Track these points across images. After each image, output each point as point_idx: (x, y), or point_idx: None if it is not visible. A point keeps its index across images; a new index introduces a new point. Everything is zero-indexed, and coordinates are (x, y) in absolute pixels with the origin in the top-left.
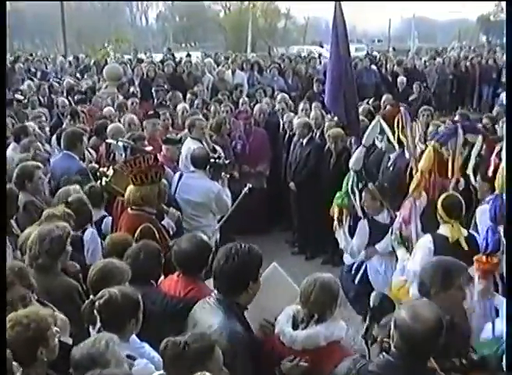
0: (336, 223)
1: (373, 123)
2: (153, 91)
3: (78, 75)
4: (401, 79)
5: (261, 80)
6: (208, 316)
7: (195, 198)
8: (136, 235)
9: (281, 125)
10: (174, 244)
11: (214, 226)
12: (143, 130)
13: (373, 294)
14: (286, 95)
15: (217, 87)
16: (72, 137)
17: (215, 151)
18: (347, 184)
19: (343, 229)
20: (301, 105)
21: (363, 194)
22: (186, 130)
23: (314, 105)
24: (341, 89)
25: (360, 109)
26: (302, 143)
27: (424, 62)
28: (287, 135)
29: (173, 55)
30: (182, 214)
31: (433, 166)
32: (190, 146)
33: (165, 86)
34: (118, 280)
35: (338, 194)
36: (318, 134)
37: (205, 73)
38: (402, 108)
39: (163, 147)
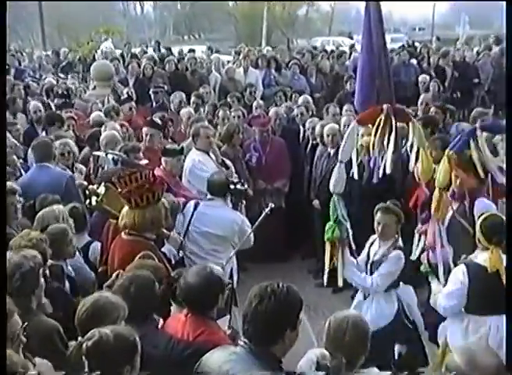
0: (327, 261)
1: (348, 130)
2: (151, 92)
3: (60, 73)
4: (448, 73)
5: (278, 79)
6: (237, 367)
7: (215, 230)
8: (134, 265)
9: (301, 133)
10: (180, 276)
11: (228, 254)
12: (138, 140)
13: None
14: (309, 97)
15: (226, 88)
16: (47, 148)
17: (224, 165)
18: (335, 212)
19: (344, 264)
20: (331, 109)
21: (378, 214)
22: (190, 140)
23: (345, 108)
24: (374, 89)
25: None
26: (329, 154)
27: (477, 53)
28: (310, 145)
29: (170, 49)
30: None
31: (456, 177)
32: (194, 158)
33: (165, 87)
34: (112, 318)
35: (327, 227)
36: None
37: (212, 72)
38: (385, 106)
39: (162, 159)
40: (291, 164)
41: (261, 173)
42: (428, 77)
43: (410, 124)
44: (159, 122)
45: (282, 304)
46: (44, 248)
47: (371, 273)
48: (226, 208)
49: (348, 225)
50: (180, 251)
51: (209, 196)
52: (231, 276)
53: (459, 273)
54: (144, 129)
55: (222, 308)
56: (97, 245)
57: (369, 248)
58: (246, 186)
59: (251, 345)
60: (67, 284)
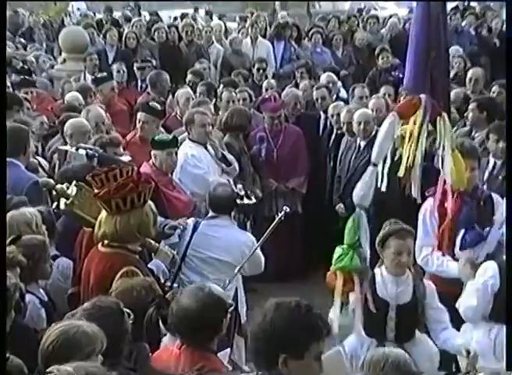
0: (338, 300)
1: (385, 124)
2: (135, 68)
3: (19, 42)
4: None
5: (299, 52)
6: None
7: (221, 255)
8: (114, 286)
9: (322, 121)
10: (171, 298)
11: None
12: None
13: None
14: (333, 76)
15: (230, 64)
16: (16, 138)
17: (225, 160)
18: (355, 232)
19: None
20: (357, 91)
21: (398, 240)
22: (183, 128)
23: (382, 90)
24: (428, 65)
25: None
26: (359, 146)
27: None
28: (333, 135)
29: (157, 14)
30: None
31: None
32: (186, 152)
33: (154, 61)
34: (86, 352)
35: (340, 252)
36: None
37: (213, 43)
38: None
39: (151, 153)
40: (310, 159)
41: (271, 170)
42: (475, 48)
43: (439, 119)
44: (158, 107)
45: (278, 323)
46: (23, 266)
47: None
48: (233, 227)
49: (367, 252)
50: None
51: (211, 213)
52: (235, 298)
53: (489, 270)
54: (139, 115)
55: (224, 338)
56: (64, 262)
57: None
58: (254, 198)
59: (255, 370)
60: (43, 313)
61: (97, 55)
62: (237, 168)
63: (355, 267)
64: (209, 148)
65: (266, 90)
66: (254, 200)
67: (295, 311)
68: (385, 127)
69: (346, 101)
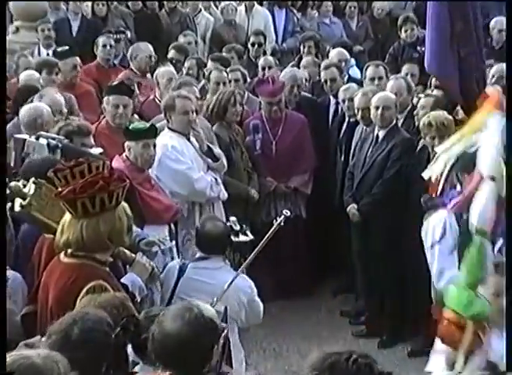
0: (461, 358)
1: (492, 123)
2: (103, 41)
3: None
4: None
5: (303, 23)
6: None
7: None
8: (79, 304)
9: (332, 106)
10: (150, 319)
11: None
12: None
13: None
14: (345, 52)
15: (221, 37)
16: None
17: (211, 154)
18: (480, 268)
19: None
20: (370, 70)
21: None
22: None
23: (405, 69)
24: (453, 41)
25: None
26: (376, 137)
27: None
28: (345, 124)
29: None
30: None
31: None
32: (165, 143)
33: (128, 33)
34: None
35: (464, 294)
36: (403, 121)
37: (200, 11)
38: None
39: (125, 145)
40: (316, 153)
41: (269, 167)
42: (503, 20)
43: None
44: (135, 89)
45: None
46: None
47: None
48: (227, 270)
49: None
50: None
51: (200, 254)
52: (224, 319)
53: None
54: (111, 98)
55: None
56: (14, 276)
57: None
58: (250, 235)
59: None
60: None
61: (57, 25)
62: (225, 163)
63: (483, 315)
64: (192, 139)
65: (263, 69)
66: (251, 236)
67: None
68: (495, 128)
69: (361, 84)
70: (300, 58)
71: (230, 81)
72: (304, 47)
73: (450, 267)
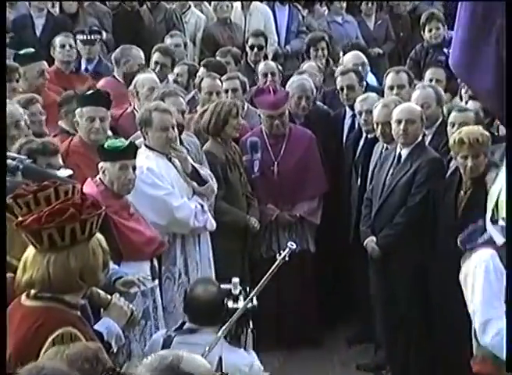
0: None
1: None
2: (78, 42)
3: None
4: None
5: (310, 22)
6: None
7: None
8: (44, 356)
9: (347, 120)
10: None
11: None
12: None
13: None
14: (362, 55)
15: (214, 39)
16: None
17: (198, 177)
18: None
19: None
20: (390, 77)
21: None
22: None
23: (428, 74)
24: (487, 38)
25: None
26: (399, 156)
27: None
28: (362, 141)
29: None
30: None
31: None
32: (141, 165)
33: (103, 33)
34: None
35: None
36: (431, 138)
37: (190, 8)
38: None
39: (99, 166)
40: (327, 175)
41: (270, 191)
42: None
43: None
44: (109, 98)
45: None
46: None
47: None
48: (221, 344)
49: None
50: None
51: (189, 324)
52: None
53: None
54: (85, 110)
55: None
56: None
57: None
58: (255, 300)
59: None
60: None
61: (17, 22)
62: (215, 188)
63: None
64: (175, 159)
65: (264, 76)
66: (255, 302)
67: None
68: None
69: (381, 93)
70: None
71: (227, 91)
72: (313, 50)
73: (498, 317)
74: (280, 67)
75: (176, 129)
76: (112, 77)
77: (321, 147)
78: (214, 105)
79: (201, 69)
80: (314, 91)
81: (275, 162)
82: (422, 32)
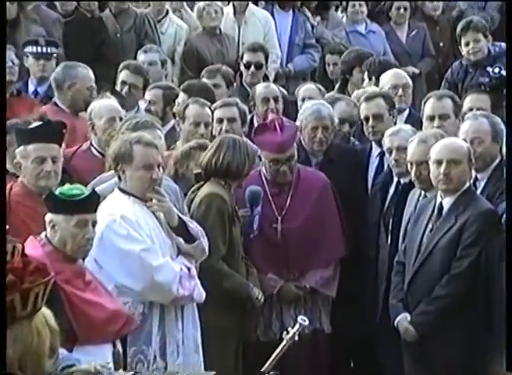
0: None
1: None
2: (25, 57)
3: None
4: None
5: (322, 32)
6: None
7: None
8: None
9: (373, 160)
10: None
11: None
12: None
13: None
14: (403, 74)
15: (198, 54)
16: None
17: (185, 230)
18: None
19: None
20: (431, 103)
21: None
22: (111, 173)
23: (468, 100)
24: None
25: None
26: (440, 207)
27: None
28: (393, 187)
29: None
30: None
31: None
32: (113, 212)
33: (57, 48)
34: None
35: None
36: (485, 183)
37: (167, 14)
38: None
39: (46, 219)
40: (347, 233)
41: (272, 256)
42: None
43: None
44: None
45: None
46: None
47: None
48: None
49: None
50: None
51: None
52: None
53: None
54: (32, 148)
55: None
56: None
57: None
58: None
59: None
60: None
61: None
62: (206, 247)
63: None
64: (156, 211)
65: (265, 102)
66: None
67: None
68: None
69: (418, 125)
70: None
71: (221, 120)
72: (330, 67)
73: None
74: (285, 91)
75: (161, 169)
76: (54, 105)
77: (340, 195)
78: (219, 141)
79: (181, 95)
80: (336, 120)
81: (279, 218)
82: (459, 46)
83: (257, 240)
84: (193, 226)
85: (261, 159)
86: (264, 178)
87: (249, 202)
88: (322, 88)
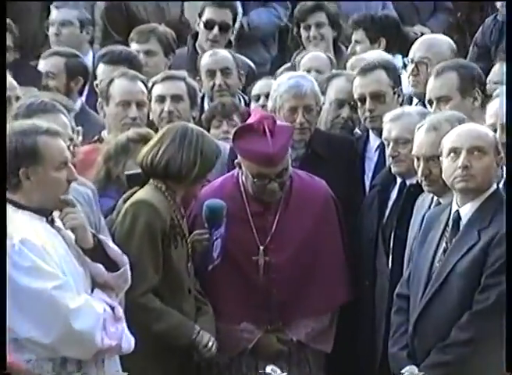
0: None
1: None
2: None
3: None
4: None
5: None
6: None
7: None
8: None
9: (369, 154)
10: None
11: None
12: None
13: None
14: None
15: (128, 11)
16: None
17: (106, 258)
18: None
19: None
20: (444, 78)
21: None
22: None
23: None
24: None
25: None
26: (457, 217)
27: None
28: (395, 190)
29: None
30: None
31: None
32: (15, 236)
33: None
34: None
35: None
36: None
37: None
38: None
39: None
40: (352, 265)
41: (248, 298)
42: None
43: None
44: None
45: None
46: None
47: None
48: None
49: None
50: None
51: None
52: None
53: None
54: None
55: None
56: None
57: None
58: None
59: None
60: None
61: None
62: (129, 276)
63: None
64: (59, 223)
65: (210, 76)
66: None
67: None
68: None
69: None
70: None
71: (164, 99)
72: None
73: None
74: (251, 63)
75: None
76: None
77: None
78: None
79: (101, 66)
80: (321, 98)
81: (261, 248)
82: None
83: (227, 274)
84: (114, 248)
85: (240, 167)
86: (242, 189)
87: (207, 221)
88: (333, 59)
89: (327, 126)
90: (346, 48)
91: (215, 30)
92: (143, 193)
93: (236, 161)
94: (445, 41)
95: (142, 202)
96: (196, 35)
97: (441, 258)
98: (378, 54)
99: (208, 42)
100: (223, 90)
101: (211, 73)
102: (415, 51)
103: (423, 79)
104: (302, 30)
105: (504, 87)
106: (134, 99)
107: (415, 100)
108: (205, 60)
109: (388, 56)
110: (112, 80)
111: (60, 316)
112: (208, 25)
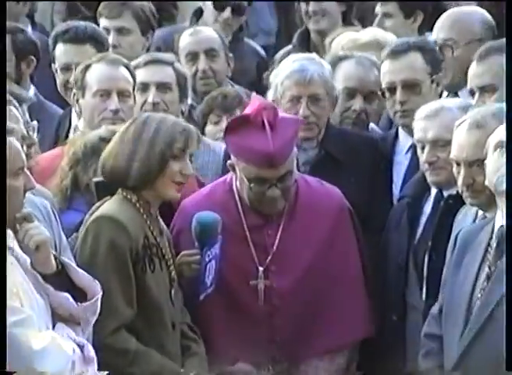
0: None
1: None
2: None
3: None
4: None
5: None
6: None
7: None
8: None
9: (398, 157)
10: None
11: None
12: None
13: None
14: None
15: None
16: None
17: (73, 289)
18: None
19: None
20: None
21: None
22: None
23: None
24: None
25: None
26: (502, 235)
27: None
28: (430, 201)
29: None
30: None
31: None
32: None
33: None
34: None
35: None
36: None
37: None
38: None
39: None
40: (375, 294)
41: (247, 333)
42: None
43: None
44: None
45: None
46: None
47: None
48: None
49: None
50: None
51: None
52: None
53: None
54: None
55: None
56: None
57: None
58: None
59: None
60: None
61: None
62: (97, 308)
63: None
64: (13, 244)
65: (191, 60)
66: None
67: None
68: None
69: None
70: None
71: (147, 87)
72: None
73: None
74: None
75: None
76: None
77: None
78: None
79: (60, 46)
80: (334, 87)
81: (260, 270)
82: None
83: (220, 304)
84: (81, 273)
85: (234, 169)
86: (237, 197)
87: (197, 239)
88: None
89: (335, 121)
90: (362, 26)
91: (227, 12)
92: (108, 206)
93: (228, 162)
94: (475, 15)
95: (104, 218)
96: (200, 12)
97: (483, 286)
98: (372, 33)
99: (216, 25)
100: (208, 77)
101: (193, 56)
102: (438, 31)
103: (450, 66)
104: (301, 3)
105: (504, 87)
106: (115, 88)
107: (445, 92)
108: (185, 40)
109: (391, 37)
110: (88, 66)
111: (22, 359)
112: (219, 5)
